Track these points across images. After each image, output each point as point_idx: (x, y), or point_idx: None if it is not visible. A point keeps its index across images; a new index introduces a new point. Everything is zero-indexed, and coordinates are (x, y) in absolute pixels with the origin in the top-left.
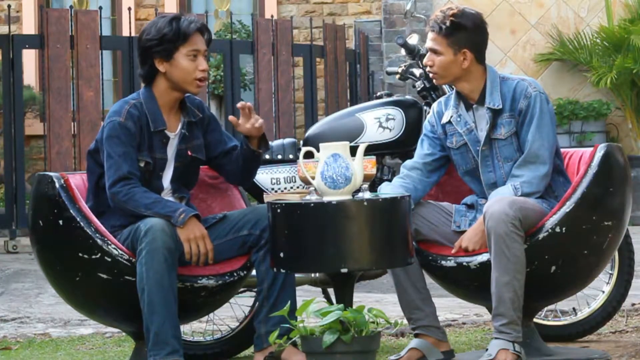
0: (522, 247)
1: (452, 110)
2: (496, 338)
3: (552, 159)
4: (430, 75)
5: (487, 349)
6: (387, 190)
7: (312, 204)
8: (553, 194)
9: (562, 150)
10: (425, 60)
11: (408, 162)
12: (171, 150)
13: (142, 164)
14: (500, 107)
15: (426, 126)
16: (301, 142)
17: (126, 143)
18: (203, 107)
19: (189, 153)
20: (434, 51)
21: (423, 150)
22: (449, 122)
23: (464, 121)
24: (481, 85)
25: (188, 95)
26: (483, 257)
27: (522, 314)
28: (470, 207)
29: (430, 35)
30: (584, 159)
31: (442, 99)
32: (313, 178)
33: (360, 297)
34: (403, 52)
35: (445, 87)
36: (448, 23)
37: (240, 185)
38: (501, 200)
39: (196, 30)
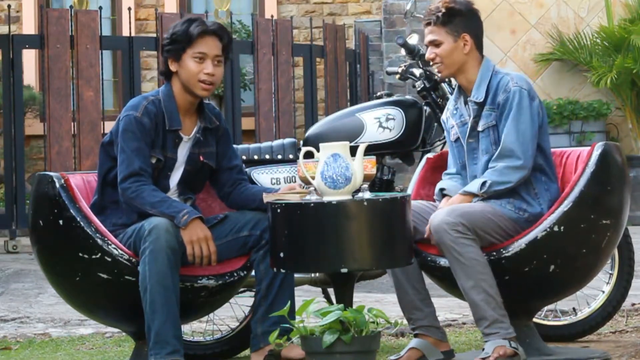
0: (476, 249)
1: (451, 103)
2: (487, 341)
3: (529, 154)
4: (436, 68)
5: (483, 349)
6: (441, 184)
7: (312, 204)
8: (533, 191)
9: (560, 149)
10: (427, 56)
11: (447, 171)
12: (183, 152)
13: (153, 160)
14: (482, 100)
15: (444, 127)
16: (301, 142)
17: (140, 139)
18: (221, 117)
19: (201, 158)
20: (434, 43)
21: (450, 158)
22: (448, 116)
23: (460, 114)
24: (476, 77)
25: (208, 103)
26: None
27: (522, 314)
28: None
29: (427, 29)
30: (581, 158)
31: (453, 95)
32: (313, 178)
33: (360, 297)
34: (403, 52)
35: (445, 87)
36: (443, 10)
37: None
38: (439, 213)
39: (203, 33)
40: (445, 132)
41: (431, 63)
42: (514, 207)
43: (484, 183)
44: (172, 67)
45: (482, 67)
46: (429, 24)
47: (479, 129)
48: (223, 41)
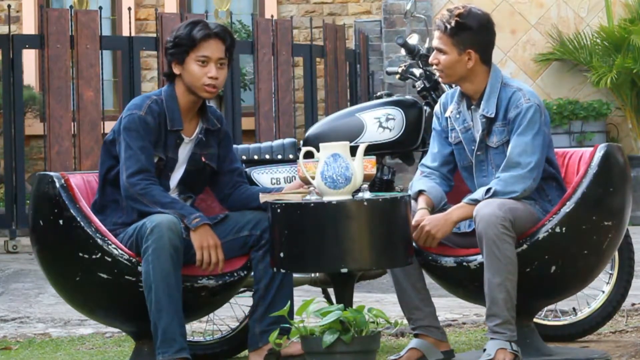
0: (513, 248)
1: (453, 105)
2: (492, 338)
3: (534, 165)
4: (437, 73)
5: (484, 349)
6: (419, 185)
7: (312, 204)
8: (547, 198)
9: (562, 150)
10: (430, 59)
11: (426, 163)
12: (184, 153)
13: (155, 159)
14: (493, 115)
15: (434, 119)
16: (301, 142)
17: (144, 137)
18: (222, 120)
19: (203, 159)
20: (439, 50)
21: (434, 149)
22: (450, 117)
23: (462, 119)
24: (483, 87)
25: (210, 105)
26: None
27: (523, 314)
28: None
29: (436, 33)
30: (584, 159)
31: (449, 91)
32: (313, 178)
33: (360, 297)
34: (403, 52)
35: (445, 87)
36: (453, 23)
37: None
38: (491, 203)
39: (206, 37)
40: (437, 124)
41: (433, 67)
42: (541, 209)
43: (488, 190)
44: (176, 70)
45: (490, 78)
46: (438, 29)
47: (493, 145)
48: (226, 43)
